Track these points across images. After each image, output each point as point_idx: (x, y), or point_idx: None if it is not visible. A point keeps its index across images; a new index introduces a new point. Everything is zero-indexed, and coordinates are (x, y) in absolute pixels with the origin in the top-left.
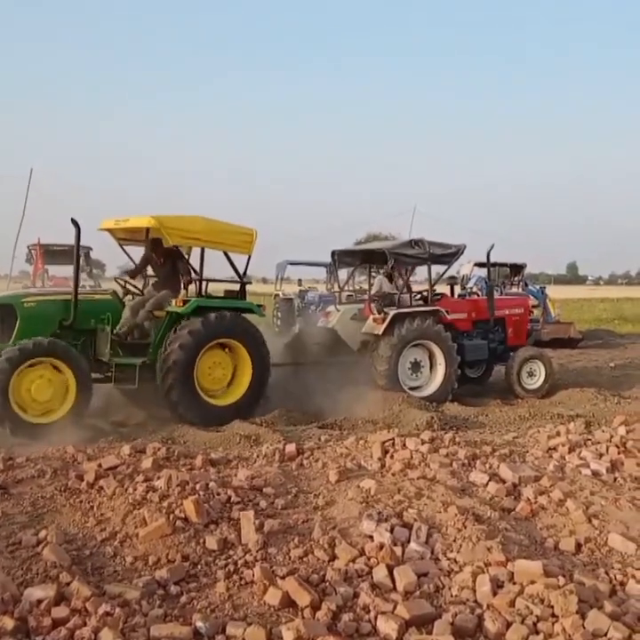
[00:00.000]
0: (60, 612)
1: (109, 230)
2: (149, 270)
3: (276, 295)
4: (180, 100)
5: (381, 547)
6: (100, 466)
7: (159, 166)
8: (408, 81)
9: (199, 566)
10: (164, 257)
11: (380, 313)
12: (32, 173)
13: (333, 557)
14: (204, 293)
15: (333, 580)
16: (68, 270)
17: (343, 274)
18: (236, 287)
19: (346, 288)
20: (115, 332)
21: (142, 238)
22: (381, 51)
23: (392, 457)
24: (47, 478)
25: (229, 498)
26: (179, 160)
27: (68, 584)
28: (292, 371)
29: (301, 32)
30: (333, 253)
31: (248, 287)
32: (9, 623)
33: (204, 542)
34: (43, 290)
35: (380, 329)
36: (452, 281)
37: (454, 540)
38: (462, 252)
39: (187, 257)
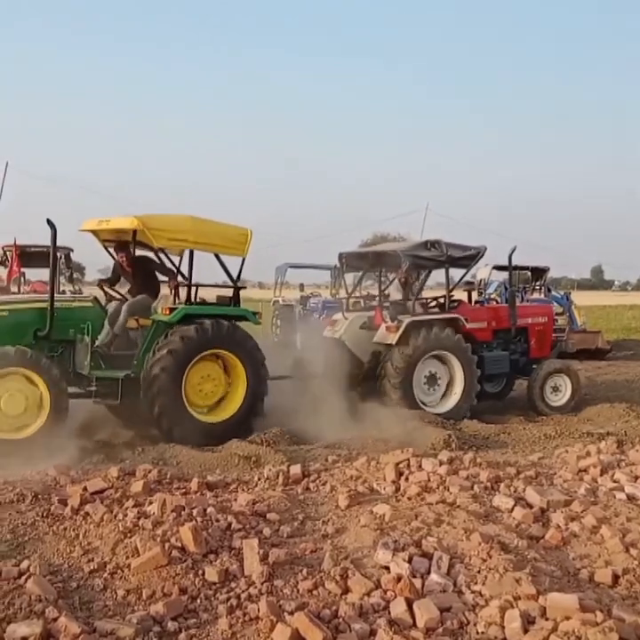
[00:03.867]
0: None
1: (93, 232)
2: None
3: (276, 301)
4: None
5: (399, 578)
6: (85, 490)
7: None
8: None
9: (198, 600)
10: (133, 263)
11: (392, 321)
12: (7, 167)
13: (346, 590)
14: (193, 300)
15: (347, 616)
16: (45, 273)
17: (350, 278)
18: (230, 293)
19: (353, 293)
20: (96, 343)
21: (128, 239)
22: (384, 49)
23: (407, 479)
24: (27, 503)
25: (230, 525)
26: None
27: (54, 620)
28: (294, 385)
29: (301, 21)
30: (341, 256)
31: (243, 293)
32: None
33: (204, 574)
34: (16, 297)
35: (394, 338)
36: (469, 286)
37: (479, 572)
38: (482, 255)
39: (177, 260)
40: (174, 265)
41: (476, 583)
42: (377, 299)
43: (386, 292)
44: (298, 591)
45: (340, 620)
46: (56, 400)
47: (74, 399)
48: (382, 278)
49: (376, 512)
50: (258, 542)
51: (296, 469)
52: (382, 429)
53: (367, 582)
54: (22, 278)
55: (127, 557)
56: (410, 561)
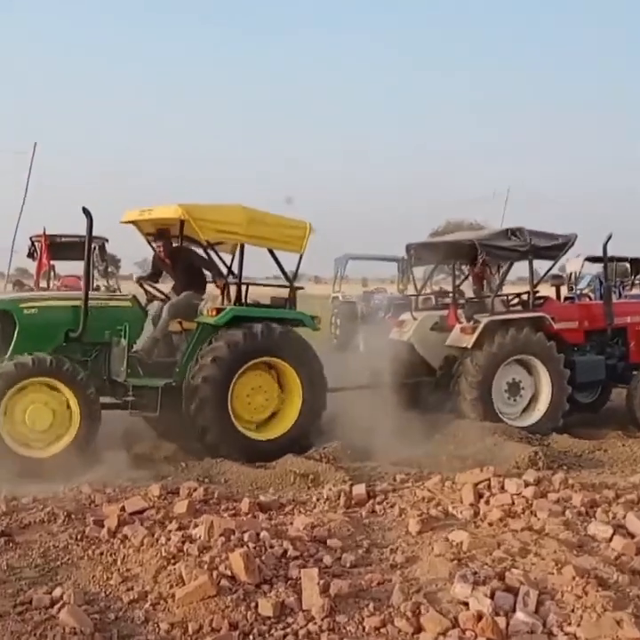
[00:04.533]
0: None
1: (134, 223)
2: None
3: (335, 298)
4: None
5: (480, 616)
6: (123, 510)
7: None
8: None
9: (251, 637)
10: (173, 256)
11: (468, 321)
12: (36, 149)
13: (419, 629)
14: (243, 300)
15: None
16: (78, 266)
17: (419, 272)
18: (285, 293)
19: (423, 290)
20: (134, 347)
21: (175, 232)
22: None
23: (488, 502)
24: (59, 524)
25: (285, 552)
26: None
27: None
28: (356, 394)
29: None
30: (409, 247)
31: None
32: None
33: (257, 607)
34: (46, 293)
35: (470, 341)
36: (557, 281)
37: (573, 610)
38: (573, 244)
39: (231, 255)
40: (223, 260)
41: (569, 624)
42: (450, 295)
43: (460, 287)
44: (363, 628)
45: None
46: (86, 412)
47: (108, 410)
48: (456, 272)
49: (452, 539)
50: (318, 572)
51: (360, 489)
52: (458, 445)
53: (443, 620)
54: (52, 272)
55: (171, 586)
56: (492, 596)
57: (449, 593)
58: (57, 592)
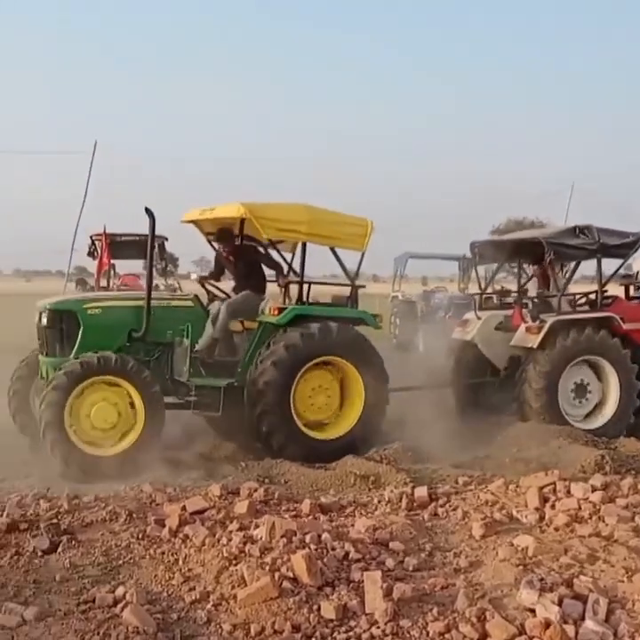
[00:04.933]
0: None
1: (194, 222)
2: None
3: (394, 297)
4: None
5: (547, 624)
6: (184, 509)
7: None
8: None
9: (313, 639)
10: (235, 254)
11: (534, 321)
12: (96, 148)
13: (484, 635)
14: (305, 299)
15: None
16: (136, 265)
17: (481, 271)
18: (346, 291)
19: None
20: (196, 347)
21: (235, 231)
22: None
23: (553, 507)
24: (121, 522)
25: (347, 554)
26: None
27: None
28: (417, 394)
29: None
30: (473, 245)
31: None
32: None
33: (319, 609)
34: (110, 294)
35: (535, 341)
36: (626, 280)
37: None
38: None
39: (291, 255)
40: (285, 259)
41: None
42: (513, 295)
43: (525, 286)
44: (427, 633)
45: None
46: (151, 410)
47: (169, 410)
48: (521, 271)
49: (517, 544)
50: (381, 575)
51: (422, 492)
52: (521, 447)
53: (509, 627)
54: (112, 271)
55: (233, 587)
56: (560, 603)
57: (515, 599)
58: (120, 591)
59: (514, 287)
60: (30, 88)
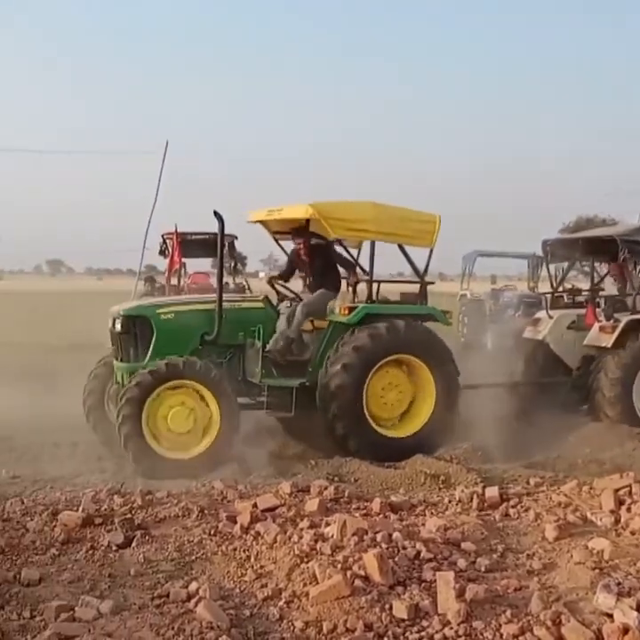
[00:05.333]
0: None
1: (262, 222)
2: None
3: (463, 295)
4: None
5: (625, 630)
6: (255, 506)
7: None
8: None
9: (385, 638)
10: (311, 253)
11: (608, 320)
12: (167, 148)
13: (559, 638)
14: (374, 297)
15: None
16: (206, 263)
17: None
18: (415, 288)
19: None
20: (267, 347)
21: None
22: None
23: (629, 510)
24: (193, 519)
25: (419, 553)
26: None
27: None
28: (487, 393)
29: None
30: (545, 243)
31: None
32: None
33: (391, 608)
34: (181, 298)
35: (609, 341)
36: None
37: None
38: None
39: (355, 252)
40: (353, 257)
41: None
42: (585, 293)
43: (598, 285)
44: (501, 636)
45: None
46: (227, 413)
47: (243, 410)
48: (594, 269)
49: (592, 547)
50: (453, 575)
51: (493, 492)
52: (594, 448)
53: (586, 631)
54: (183, 269)
55: (304, 585)
56: (638, 609)
57: (591, 603)
58: (193, 586)
59: (584, 286)
60: (97, 89)
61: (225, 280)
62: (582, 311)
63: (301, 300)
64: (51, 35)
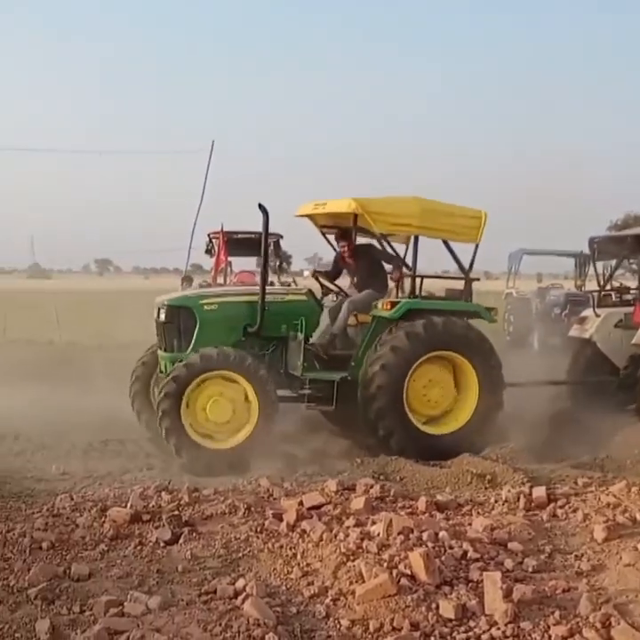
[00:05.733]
0: None
1: (308, 216)
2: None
3: (508, 294)
4: None
5: None
6: (301, 504)
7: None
8: None
9: (432, 638)
10: (355, 254)
11: None
12: (214, 147)
13: None
14: (418, 293)
15: None
16: (251, 262)
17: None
18: (460, 285)
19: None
20: (310, 341)
21: (348, 225)
22: None
23: None
24: (240, 516)
25: (465, 553)
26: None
27: None
28: (533, 392)
29: None
30: (592, 241)
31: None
32: None
33: (438, 608)
34: (225, 289)
35: None
36: None
37: None
38: None
39: (403, 248)
40: (397, 253)
41: None
42: (635, 291)
43: None
44: (549, 637)
45: None
46: (265, 405)
47: (284, 402)
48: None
49: None
50: (500, 576)
51: (540, 492)
52: None
53: (636, 634)
54: (229, 268)
55: (350, 583)
56: None
57: None
58: (240, 583)
59: (632, 284)
60: (143, 88)
61: (270, 279)
62: (630, 309)
63: (347, 294)
64: (81, 31)
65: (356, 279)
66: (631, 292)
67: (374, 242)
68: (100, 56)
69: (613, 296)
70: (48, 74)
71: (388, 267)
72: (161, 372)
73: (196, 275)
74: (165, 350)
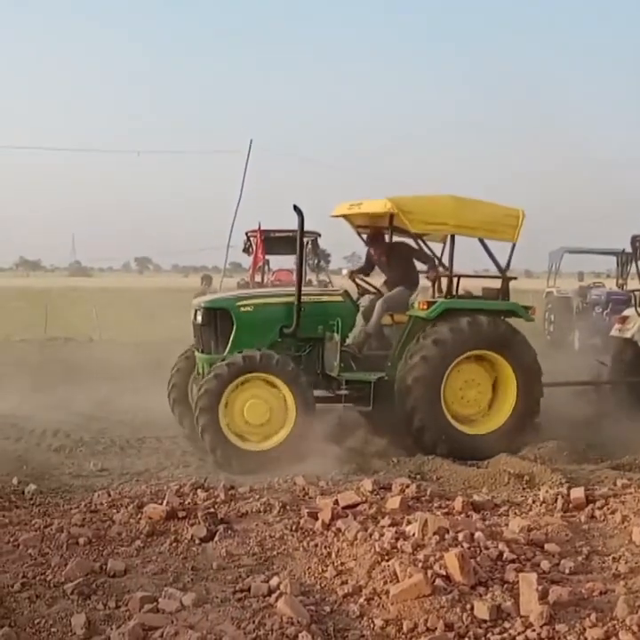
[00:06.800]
0: None
1: (344, 216)
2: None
3: (549, 293)
4: None
5: None
6: (336, 503)
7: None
8: None
9: (466, 639)
10: (387, 254)
11: None
12: (251, 146)
13: None
14: (454, 292)
15: None
16: (289, 260)
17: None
18: (497, 283)
19: None
20: (346, 341)
21: (384, 224)
22: None
23: None
24: (275, 514)
25: (501, 554)
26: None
27: None
28: (574, 392)
29: None
30: (635, 238)
31: (511, 284)
32: None
33: (472, 609)
34: (261, 291)
35: None
36: None
37: None
38: None
39: (440, 247)
40: (433, 252)
41: None
42: None
43: None
44: (585, 639)
45: None
46: (302, 407)
47: (321, 404)
48: None
49: None
50: (536, 577)
51: (578, 493)
52: None
53: None
54: (266, 266)
55: (385, 583)
56: None
57: None
58: (274, 581)
59: None
60: (183, 88)
61: (308, 277)
62: None
63: (382, 294)
64: (124, 35)
65: (388, 277)
66: None
67: (408, 240)
68: (147, 60)
69: None
70: (90, 75)
71: (423, 266)
72: (198, 373)
73: (235, 273)
74: (202, 352)
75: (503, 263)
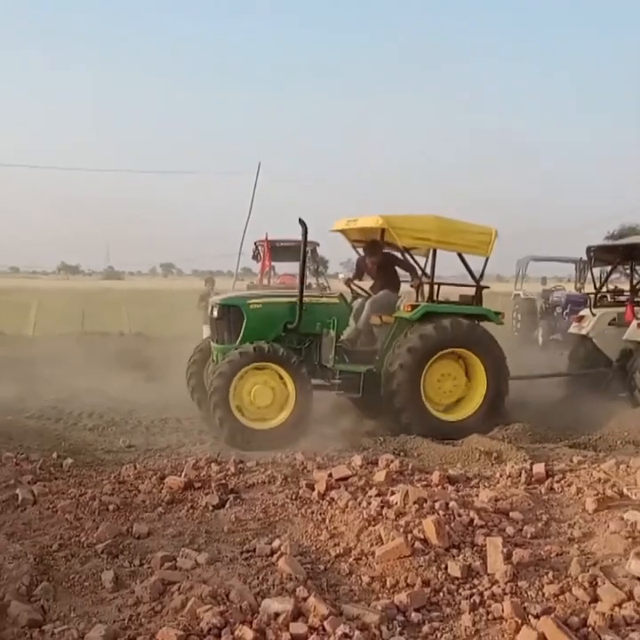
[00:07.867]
0: (299, 628)
1: (341, 231)
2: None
3: (516, 295)
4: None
5: None
6: (330, 476)
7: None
8: None
9: (441, 594)
10: (378, 262)
11: None
12: (260, 168)
13: (595, 599)
14: (435, 298)
15: (597, 626)
16: (293, 266)
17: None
18: (472, 291)
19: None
20: (340, 337)
21: (376, 237)
22: None
23: None
24: (278, 485)
25: (472, 520)
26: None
27: (304, 599)
28: (537, 382)
29: None
30: (589, 249)
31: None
32: (248, 634)
33: (446, 568)
34: (269, 291)
35: None
36: None
37: None
38: None
39: (425, 259)
40: (417, 263)
41: None
42: (626, 293)
43: (638, 286)
44: (543, 595)
45: (589, 629)
46: (302, 392)
47: (318, 390)
48: (634, 272)
49: (627, 519)
50: (502, 541)
51: (539, 468)
52: (633, 431)
53: (618, 593)
54: (272, 271)
55: (371, 545)
56: None
57: (624, 568)
58: (276, 543)
59: (625, 287)
60: (198, 107)
61: (308, 281)
62: (622, 309)
63: (370, 296)
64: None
65: (375, 281)
66: (624, 294)
67: (394, 252)
68: (173, 85)
69: (608, 297)
70: (114, 101)
71: (406, 274)
72: (213, 361)
73: (245, 277)
74: (217, 342)
75: (478, 273)
